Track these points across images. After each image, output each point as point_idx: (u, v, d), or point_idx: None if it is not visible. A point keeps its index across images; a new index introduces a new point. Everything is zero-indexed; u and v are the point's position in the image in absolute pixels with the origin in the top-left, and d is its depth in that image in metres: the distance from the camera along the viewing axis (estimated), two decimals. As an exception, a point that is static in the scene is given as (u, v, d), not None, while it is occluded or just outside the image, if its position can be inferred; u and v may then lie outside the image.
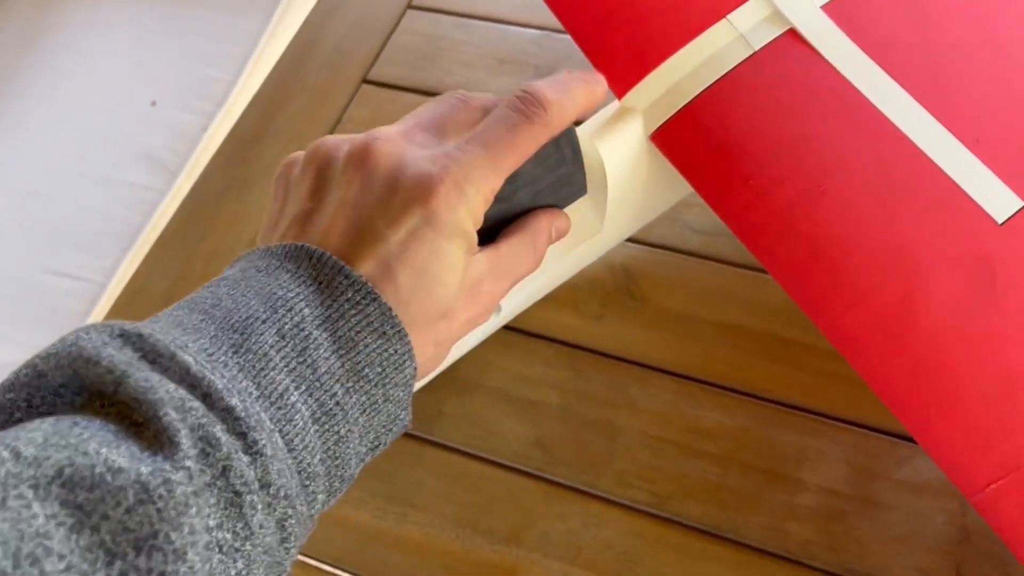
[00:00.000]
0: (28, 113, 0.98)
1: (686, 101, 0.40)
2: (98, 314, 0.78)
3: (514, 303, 0.50)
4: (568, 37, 0.73)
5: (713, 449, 0.52)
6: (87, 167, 0.93)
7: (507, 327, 0.57)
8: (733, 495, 0.51)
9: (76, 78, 0.99)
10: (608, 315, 0.57)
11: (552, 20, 0.75)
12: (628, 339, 0.56)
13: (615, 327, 0.57)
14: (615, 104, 0.42)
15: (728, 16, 0.40)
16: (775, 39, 0.40)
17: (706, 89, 0.39)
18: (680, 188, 0.45)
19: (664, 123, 0.40)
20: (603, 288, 0.58)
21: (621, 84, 0.41)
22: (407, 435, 0.55)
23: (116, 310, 0.66)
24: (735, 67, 0.39)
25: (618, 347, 0.56)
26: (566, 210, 0.39)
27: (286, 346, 0.26)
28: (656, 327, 0.56)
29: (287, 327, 0.27)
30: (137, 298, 0.65)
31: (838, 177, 0.37)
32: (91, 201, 0.90)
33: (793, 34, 0.40)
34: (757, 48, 0.39)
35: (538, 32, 0.71)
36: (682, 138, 0.40)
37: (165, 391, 0.24)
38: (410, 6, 0.74)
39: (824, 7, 0.40)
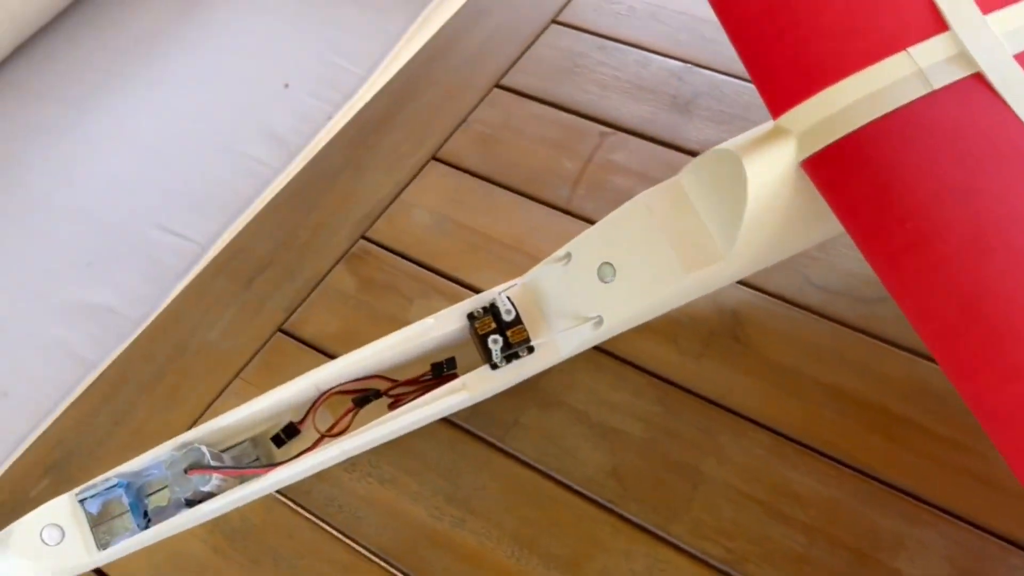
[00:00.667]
0: (169, 75, 1.02)
1: (848, 130, 0.37)
2: (197, 271, 0.80)
3: (617, 320, 0.47)
4: (709, 73, 0.72)
5: (802, 516, 0.48)
6: (212, 135, 0.96)
7: (600, 348, 0.55)
8: (816, 570, 0.46)
9: (219, 51, 1.03)
10: (709, 355, 0.54)
11: (695, 54, 0.74)
12: (726, 384, 0.53)
13: (714, 369, 0.54)
14: (770, 123, 0.40)
15: (908, 49, 0.38)
16: (958, 81, 0.37)
17: (873, 121, 0.37)
18: (820, 226, 0.42)
19: (820, 150, 0.38)
20: (708, 327, 0.55)
21: (779, 103, 0.39)
22: (476, 437, 0.53)
23: (216, 265, 0.66)
24: (909, 103, 0.37)
25: (714, 390, 0.53)
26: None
27: None
28: (758, 377, 0.53)
29: None
30: (237, 256, 0.65)
31: (1011, 235, 0.34)
32: (209, 167, 0.93)
33: (979, 79, 0.37)
34: (937, 87, 0.37)
35: (680, 64, 0.70)
36: (838, 168, 0.37)
37: None
38: (554, 21, 0.74)
39: (1018, 56, 0.37)
